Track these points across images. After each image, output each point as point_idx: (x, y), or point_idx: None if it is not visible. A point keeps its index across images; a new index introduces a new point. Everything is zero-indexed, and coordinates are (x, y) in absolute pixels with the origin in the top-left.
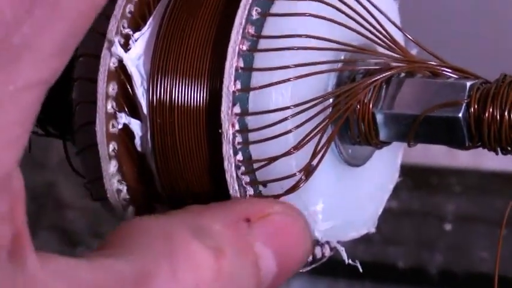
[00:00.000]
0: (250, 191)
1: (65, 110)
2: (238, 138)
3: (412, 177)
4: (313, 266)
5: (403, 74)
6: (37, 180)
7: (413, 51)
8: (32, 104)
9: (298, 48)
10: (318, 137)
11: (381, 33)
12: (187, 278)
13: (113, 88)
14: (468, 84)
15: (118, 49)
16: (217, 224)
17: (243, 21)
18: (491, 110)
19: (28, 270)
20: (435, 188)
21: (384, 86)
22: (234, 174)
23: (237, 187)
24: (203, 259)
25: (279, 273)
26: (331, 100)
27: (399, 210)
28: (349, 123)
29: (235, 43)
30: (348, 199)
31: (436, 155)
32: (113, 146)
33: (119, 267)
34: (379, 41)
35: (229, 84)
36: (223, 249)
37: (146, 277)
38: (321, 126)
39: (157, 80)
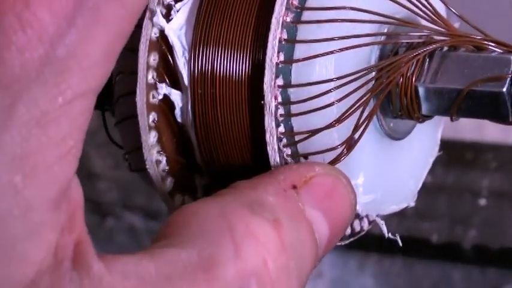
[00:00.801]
0: (292, 163)
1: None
2: (281, 110)
3: (446, 152)
4: (352, 239)
5: (446, 48)
6: None
7: (456, 24)
8: (83, 113)
9: (342, 20)
10: (360, 110)
11: (424, 6)
12: (253, 255)
13: (154, 58)
14: None
15: (160, 19)
16: (270, 195)
17: None
18: None
19: (94, 275)
20: (469, 163)
21: (427, 60)
22: (276, 147)
23: (278, 159)
24: (265, 233)
25: (331, 234)
26: (373, 73)
27: (433, 185)
28: (392, 97)
29: (279, 14)
30: (388, 173)
31: (464, 129)
32: (153, 116)
33: (183, 256)
34: (422, 14)
35: (273, 56)
36: (280, 220)
37: (212, 261)
38: (363, 100)
39: (199, 51)
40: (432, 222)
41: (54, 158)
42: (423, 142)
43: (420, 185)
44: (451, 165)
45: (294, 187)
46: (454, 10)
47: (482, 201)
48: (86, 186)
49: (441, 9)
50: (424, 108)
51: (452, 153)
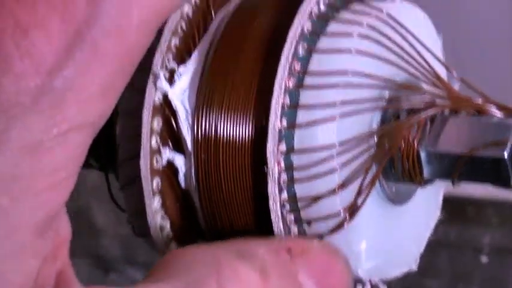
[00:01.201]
0: (295, 229)
1: (107, 143)
2: (284, 176)
3: (448, 208)
4: None
5: (447, 111)
6: (70, 204)
7: (456, 85)
8: (77, 146)
9: (343, 85)
10: (362, 175)
11: (425, 69)
12: None
13: (157, 123)
14: None
15: (163, 83)
16: (261, 249)
17: (290, 57)
18: None
19: None
20: (471, 219)
21: (429, 124)
22: (279, 213)
23: (281, 226)
24: (250, 279)
25: None
26: (375, 138)
27: (435, 242)
28: (393, 161)
29: (282, 80)
30: (390, 237)
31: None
32: (156, 181)
33: None
34: (423, 78)
35: (275, 122)
36: (269, 272)
37: None
38: (366, 165)
39: (202, 115)
40: (434, 279)
41: (43, 186)
42: (425, 205)
43: (422, 249)
44: (452, 221)
45: (289, 251)
46: (455, 74)
47: (484, 258)
48: (89, 241)
49: (442, 71)
50: (426, 173)
51: (453, 209)
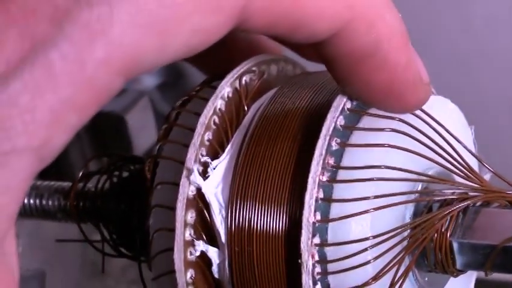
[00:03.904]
0: None
1: (141, 235)
2: (318, 269)
3: None
4: None
5: (479, 203)
6: (98, 287)
7: (487, 176)
8: (20, 171)
9: (377, 179)
10: (395, 266)
11: (457, 161)
12: None
13: (191, 216)
14: None
15: (197, 177)
16: None
17: (323, 151)
18: None
19: None
20: None
21: (461, 215)
22: None
23: None
24: None
25: None
26: (408, 230)
27: None
28: (426, 251)
29: (316, 174)
30: None
31: None
32: (190, 273)
33: None
34: (455, 170)
35: (309, 215)
36: None
37: None
38: (399, 258)
39: (236, 208)
40: None
41: None
42: None
43: None
44: None
45: None
46: (488, 166)
47: None
48: None
49: (474, 163)
50: (459, 263)
51: None
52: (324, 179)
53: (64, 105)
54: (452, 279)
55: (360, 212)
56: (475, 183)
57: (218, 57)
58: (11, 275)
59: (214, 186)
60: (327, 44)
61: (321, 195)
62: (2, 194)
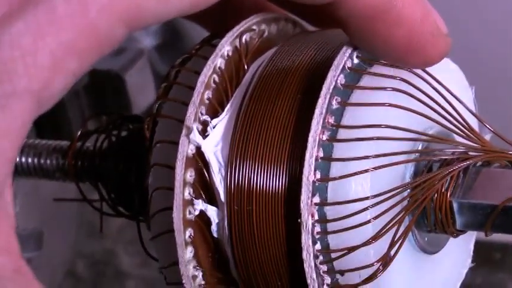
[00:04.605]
0: (328, 279)
1: (140, 194)
2: (317, 228)
3: (474, 253)
4: None
5: (480, 163)
6: (96, 248)
7: (488, 136)
8: (19, 115)
9: (378, 138)
10: (395, 226)
11: (458, 121)
12: None
13: (190, 175)
14: None
15: (196, 136)
16: None
17: (323, 110)
18: None
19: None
20: (497, 264)
21: (461, 175)
22: (313, 264)
23: (314, 276)
24: None
25: None
26: (408, 190)
27: (461, 286)
28: (426, 212)
29: (316, 133)
30: (422, 286)
31: None
32: (189, 232)
33: None
34: (456, 130)
35: (309, 174)
36: None
37: None
38: (399, 218)
39: (235, 167)
40: None
41: None
42: (456, 254)
43: None
44: (478, 265)
45: None
46: (488, 126)
47: None
48: (114, 284)
49: (474, 123)
50: (459, 223)
51: (479, 254)
52: (324, 137)
53: (65, 49)
54: (452, 239)
55: (359, 171)
56: (475, 143)
57: (223, 17)
58: (9, 221)
59: (214, 144)
60: (340, 4)
61: (321, 154)
62: (2, 137)
